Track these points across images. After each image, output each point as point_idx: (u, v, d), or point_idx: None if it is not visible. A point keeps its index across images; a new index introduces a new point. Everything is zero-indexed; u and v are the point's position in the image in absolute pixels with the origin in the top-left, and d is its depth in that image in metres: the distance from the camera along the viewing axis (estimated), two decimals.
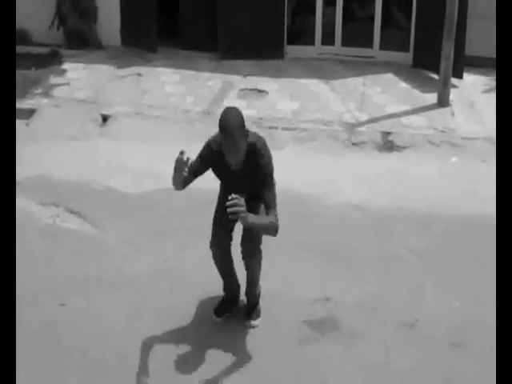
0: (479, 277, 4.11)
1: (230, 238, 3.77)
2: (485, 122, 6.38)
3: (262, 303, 3.84)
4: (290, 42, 8.13)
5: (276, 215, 3.40)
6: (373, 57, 7.87)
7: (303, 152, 5.95)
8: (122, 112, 6.58)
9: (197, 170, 3.49)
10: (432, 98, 6.74)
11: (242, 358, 3.46)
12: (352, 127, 6.31)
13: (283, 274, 4.15)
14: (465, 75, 7.16)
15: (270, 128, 6.33)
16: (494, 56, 7.46)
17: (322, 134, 6.21)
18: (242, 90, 7.14)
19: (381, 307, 3.82)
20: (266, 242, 4.53)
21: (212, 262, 3.74)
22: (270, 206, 3.39)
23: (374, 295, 3.94)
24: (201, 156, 3.52)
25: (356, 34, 8.04)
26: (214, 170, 3.58)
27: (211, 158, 3.48)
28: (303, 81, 7.33)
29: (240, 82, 7.30)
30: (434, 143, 6.00)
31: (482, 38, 7.41)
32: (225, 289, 3.86)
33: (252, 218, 3.23)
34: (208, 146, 3.51)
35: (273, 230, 3.37)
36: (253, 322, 3.75)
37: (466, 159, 5.74)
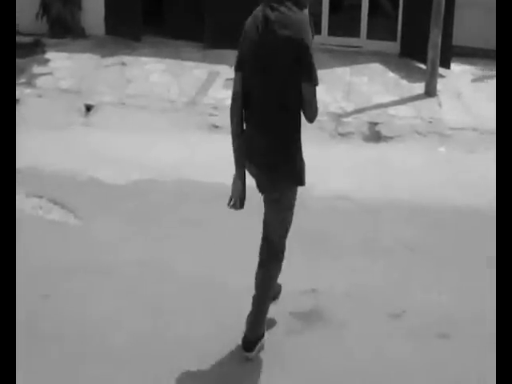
0: (467, 267, 4.10)
1: None
2: (472, 112, 6.37)
3: (247, 296, 3.79)
4: None
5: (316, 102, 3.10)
6: (360, 46, 7.83)
7: None
8: (106, 102, 6.49)
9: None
10: (419, 87, 6.71)
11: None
12: (339, 117, 6.27)
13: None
14: (452, 65, 7.14)
15: None
16: (482, 46, 7.53)
17: (309, 125, 6.11)
18: (228, 79, 7.07)
19: (368, 298, 3.80)
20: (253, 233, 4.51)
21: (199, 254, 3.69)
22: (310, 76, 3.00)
23: (361, 286, 3.91)
24: (239, 47, 3.11)
25: (343, 23, 8.00)
26: (245, 52, 3.09)
27: (245, 31, 3.10)
28: None
29: (226, 71, 7.23)
30: (422, 133, 5.98)
31: (470, 27, 7.39)
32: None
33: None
34: (254, 20, 3.08)
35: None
36: (250, 355, 3.33)
37: (453, 149, 5.73)
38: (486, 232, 4.35)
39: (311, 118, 3.09)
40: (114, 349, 3.40)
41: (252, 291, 3.53)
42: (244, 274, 3.77)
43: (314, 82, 2.99)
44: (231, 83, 7.87)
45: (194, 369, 3.28)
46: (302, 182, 3.19)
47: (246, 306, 3.39)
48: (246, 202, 3.30)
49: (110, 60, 7.36)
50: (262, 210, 3.40)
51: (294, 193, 3.24)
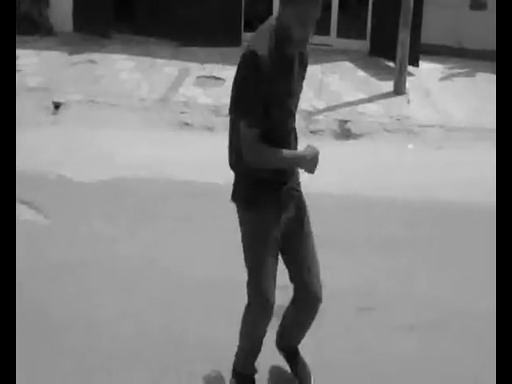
0: (443, 262, 4.15)
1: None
2: (440, 110, 6.46)
3: (221, 292, 3.80)
4: (247, 30, 8.07)
5: None
6: (330, 45, 7.88)
7: None
8: (75, 100, 6.42)
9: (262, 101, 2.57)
10: (388, 85, 6.78)
11: (203, 341, 3.41)
12: (309, 115, 6.30)
13: (239, 260, 4.11)
14: (421, 63, 7.23)
15: (227, 116, 6.26)
16: (451, 44, 7.64)
17: None
18: (198, 77, 7.06)
19: (340, 292, 3.81)
20: (228, 233, 4.50)
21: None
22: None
23: (334, 281, 3.92)
24: (256, 82, 2.55)
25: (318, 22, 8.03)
26: (271, 89, 2.58)
27: (266, 64, 2.54)
28: None
29: (197, 69, 7.21)
30: (390, 131, 6.04)
31: (439, 26, 7.49)
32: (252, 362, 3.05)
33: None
34: (254, 59, 2.55)
35: None
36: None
37: (421, 146, 5.80)
38: (461, 226, 4.44)
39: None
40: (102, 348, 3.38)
41: (228, 289, 3.53)
42: (235, 269, 3.78)
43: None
44: (202, 81, 7.83)
45: (198, 361, 3.27)
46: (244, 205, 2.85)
47: (242, 300, 3.41)
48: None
49: (78, 57, 7.28)
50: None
51: (249, 223, 2.84)
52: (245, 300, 3.05)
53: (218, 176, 5.19)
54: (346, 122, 6.19)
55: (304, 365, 3.14)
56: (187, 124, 6.14)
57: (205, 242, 4.33)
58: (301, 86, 2.84)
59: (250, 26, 8.11)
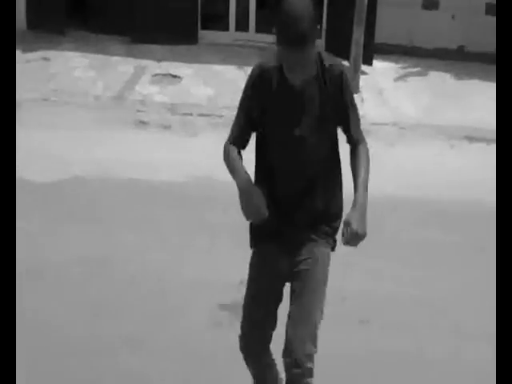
0: (397, 257, 4.22)
1: (273, 328, 2.54)
2: (393, 108, 6.57)
3: (176, 289, 3.79)
4: (203, 27, 8.06)
5: (366, 142, 2.50)
6: None
7: (219, 139, 5.90)
8: (29, 98, 6.30)
9: (246, 125, 2.46)
10: None
11: (158, 343, 3.41)
12: None
13: (199, 259, 4.13)
14: (375, 62, 7.35)
15: (185, 114, 6.27)
16: (404, 43, 7.79)
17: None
18: (154, 75, 7.02)
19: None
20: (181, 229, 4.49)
21: None
22: (358, 129, 2.47)
23: None
24: (245, 101, 2.45)
25: (270, 20, 8.08)
26: (263, 110, 2.43)
27: (262, 88, 2.38)
28: (218, 67, 7.28)
29: (153, 67, 7.17)
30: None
31: (393, 25, 7.63)
32: None
33: (363, 187, 2.38)
34: (253, 77, 2.42)
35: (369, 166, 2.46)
36: None
37: (375, 144, 5.88)
38: (413, 222, 4.54)
39: None
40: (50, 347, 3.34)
41: (183, 285, 3.53)
42: (173, 268, 3.80)
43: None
44: (159, 79, 7.78)
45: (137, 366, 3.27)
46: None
47: (195, 298, 3.38)
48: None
49: (32, 55, 7.15)
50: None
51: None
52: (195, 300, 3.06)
53: (174, 174, 5.21)
54: None
55: None
56: (143, 122, 6.11)
57: (161, 240, 4.32)
58: (321, 133, 2.42)
59: (207, 24, 8.11)
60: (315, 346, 2.44)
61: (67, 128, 5.81)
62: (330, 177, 2.53)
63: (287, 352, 2.42)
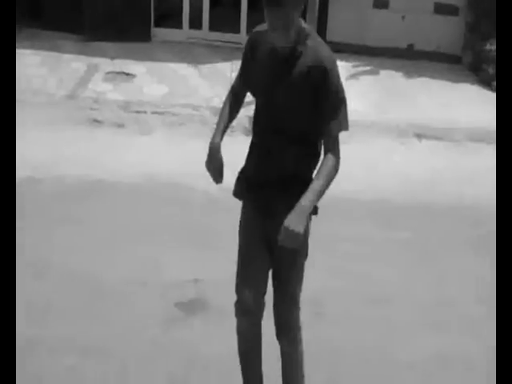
0: (340, 252, 4.32)
1: (265, 288, 2.68)
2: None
3: (127, 288, 3.78)
4: (157, 25, 8.04)
5: (338, 155, 2.56)
6: (240, 42, 7.96)
7: (172, 137, 5.94)
8: None
9: (245, 81, 2.67)
10: None
11: (112, 344, 3.42)
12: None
13: (152, 258, 4.13)
14: None
15: (138, 112, 6.25)
16: (356, 42, 7.91)
17: (192, 119, 6.23)
18: (108, 72, 6.97)
19: None
20: (128, 228, 4.49)
21: None
22: (334, 141, 2.56)
23: None
24: (243, 60, 2.70)
25: (223, 19, 8.10)
26: (253, 72, 2.63)
27: (252, 48, 2.62)
28: (171, 65, 7.28)
29: (106, 64, 7.12)
30: None
31: (344, 24, 7.74)
32: None
33: (313, 193, 2.41)
34: (248, 39, 2.68)
35: (333, 177, 2.51)
36: None
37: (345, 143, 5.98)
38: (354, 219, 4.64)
39: None
40: None
41: (134, 285, 3.54)
42: (122, 268, 3.80)
43: None
44: (112, 76, 7.72)
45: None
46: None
47: (149, 297, 3.39)
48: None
49: None
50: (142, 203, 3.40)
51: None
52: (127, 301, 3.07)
53: (128, 173, 5.19)
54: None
55: None
56: (97, 121, 6.07)
57: (113, 239, 4.31)
58: (303, 104, 2.52)
59: (160, 22, 8.09)
60: (298, 308, 2.72)
61: (19, 126, 5.71)
62: (305, 144, 2.60)
63: (276, 317, 2.70)
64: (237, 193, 2.76)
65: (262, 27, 2.60)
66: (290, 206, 2.48)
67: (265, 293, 2.69)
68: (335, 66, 2.52)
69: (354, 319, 3.71)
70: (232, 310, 3.61)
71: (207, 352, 3.39)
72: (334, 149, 2.56)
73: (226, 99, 2.80)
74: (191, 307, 3.73)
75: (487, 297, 3.95)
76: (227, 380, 3.19)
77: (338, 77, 2.53)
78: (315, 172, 2.57)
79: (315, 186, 2.47)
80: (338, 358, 3.40)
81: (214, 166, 2.73)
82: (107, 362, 3.28)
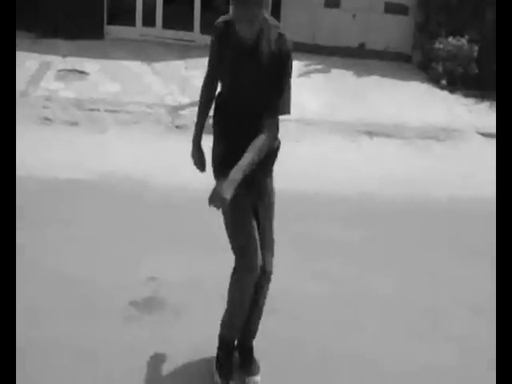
0: (294, 248, 4.39)
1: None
2: (298, 105, 6.76)
3: (81, 290, 3.77)
4: (110, 22, 7.99)
5: (275, 132, 2.88)
6: (193, 40, 7.98)
7: (126, 135, 5.92)
8: None
9: (215, 68, 2.94)
10: None
11: (68, 343, 3.41)
12: (174, 110, 6.38)
13: (107, 258, 4.12)
14: None
15: (92, 110, 6.21)
16: (307, 41, 8.01)
17: (145, 117, 6.23)
18: (60, 70, 6.90)
19: (204, 283, 3.94)
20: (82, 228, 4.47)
21: None
22: (276, 110, 2.85)
23: (198, 272, 4.06)
24: (211, 47, 2.94)
25: (177, 16, 8.10)
26: (221, 58, 2.90)
27: (221, 36, 2.87)
28: (125, 62, 7.25)
29: (58, 62, 7.04)
30: None
31: (296, 23, 7.84)
32: (236, 330, 3.20)
33: (240, 169, 2.74)
34: (214, 30, 2.91)
35: (263, 153, 2.82)
36: (257, 379, 3.19)
37: (280, 139, 6.05)
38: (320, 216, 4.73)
39: None
40: None
41: (88, 285, 3.51)
42: (97, 266, 3.76)
43: None
44: (64, 74, 7.60)
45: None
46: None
47: (103, 297, 3.39)
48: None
49: None
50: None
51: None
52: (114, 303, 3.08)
53: (81, 172, 5.16)
54: (210, 116, 6.33)
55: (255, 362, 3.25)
56: (49, 119, 6.01)
57: (65, 239, 4.27)
58: (267, 86, 2.81)
59: (113, 19, 8.03)
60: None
61: None
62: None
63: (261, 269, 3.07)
64: (222, 174, 2.93)
65: (226, 17, 2.90)
66: (265, 174, 3.03)
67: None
68: (291, 53, 2.86)
69: (315, 317, 3.76)
70: (189, 307, 3.66)
71: (164, 350, 3.40)
72: (271, 126, 2.86)
73: (201, 93, 3.10)
74: (147, 306, 3.73)
75: (445, 291, 4.09)
76: (184, 377, 3.23)
77: (292, 63, 2.88)
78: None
79: (244, 161, 2.78)
80: (298, 355, 3.45)
81: (196, 158, 3.19)
82: (69, 359, 3.28)
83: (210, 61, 3.01)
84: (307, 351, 3.49)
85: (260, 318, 3.28)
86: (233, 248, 3.05)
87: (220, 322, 3.26)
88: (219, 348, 3.25)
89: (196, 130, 3.15)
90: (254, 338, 3.29)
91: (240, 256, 3.03)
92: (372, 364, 3.44)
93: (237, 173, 2.77)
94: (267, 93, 2.82)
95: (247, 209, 3.02)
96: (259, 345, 3.32)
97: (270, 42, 2.81)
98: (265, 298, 3.24)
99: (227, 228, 3.04)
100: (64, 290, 3.79)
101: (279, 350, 3.46)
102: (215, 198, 2.77)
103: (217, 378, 3.17)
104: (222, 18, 2.93)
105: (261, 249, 3.06)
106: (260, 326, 3.29)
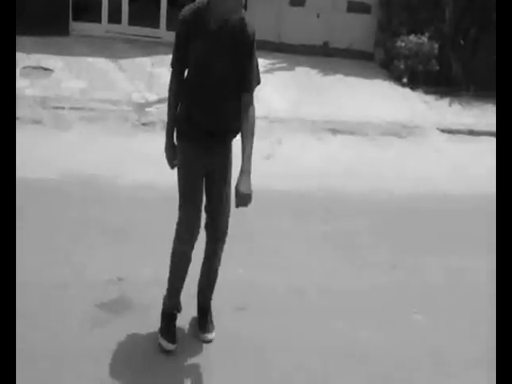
0: (261, 245, 4.46)
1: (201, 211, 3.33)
2: (262, 102, 6.83)
3: (52, 293, 3.73)
4: (75, 19, 7.95)
5: (253, 104, 3.16)
6: (159, 37, 8.00)
7: (92, 133, 5.91)
8: None
9: (182, 54, 3.16)
10: None
11: (31, 345, 3.39)
12: (141, 107, 6.40)
13: (70, 257, 4.09)
14: None
15: (56, 108, 6.18)
16: (273, 39, 8.09)
17: (111, 114, 6.22)
18: (24, 67, 6.85)
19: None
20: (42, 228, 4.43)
21: None
22: (251, 84, 3.16)
23: (165, 271, 4.07)
24: (178, 35, 3.16)
25: (143, 13, 8.10)
26: (190, 46, 3.15)
27: (189, 25, 3.11)
28: (90, 59, 7.23)
29: (22, 59, 6.99)
30: None
31: (262, 21, 7.90)
32: (174, 300, 3.47)
33: (248, 160, 3.04)
34: (183, 17, 3.14)
35: (254, 125, 3.16)
36: (210, 336, 3.51)
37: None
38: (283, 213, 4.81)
39: None
40: None
41: (57, 289, 3.52)
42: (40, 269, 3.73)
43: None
44: (29, 71, 7.52)
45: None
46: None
47: (69, 298, 3.38)
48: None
49: None
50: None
51: (179, 152, 3.40)
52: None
53: (46, 171, 5.11)
54: None
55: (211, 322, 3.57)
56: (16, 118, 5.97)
57: (27, 240, 4.19)
58: (235, 59, 3.10)
59: (79, 15, 7.99)
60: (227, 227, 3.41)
61: None
62: (235, 100, 3.17)
63: (213, 228, 3.36)
64: (185, 139, 3.27)
65: (192, 6, 3.14)
66: (225, 147, 3.29)
67: (200, 216, 3.30)
68: (254, 32, 3.15)
69: (274, 310, 3.83)
70: (158, 307, 3.68)
71: (134, 350, 3.42)
72: (251, 101, 3.17)
73: (171, 84, 3.27)
74: (115, 307, 3.70)
75: (403, 287, 4.21)
76: (155, 377, 3.26)
77: (255, 39, 3.17)
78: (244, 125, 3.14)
79: (248, 154, 3.07)
80: (262, 350, 3.51)
81: (170, 153, 3.36)
82: (35, 364, 3.25)
83: (177, 49, 3.19)
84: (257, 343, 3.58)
85: (215, 281, 3.52)
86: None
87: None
88: (162, 315, 3.49)
89: (169, 124, 3.31)
90: (210, 299, 3.57)
91: (178, 224, 3.31)
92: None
93: (248, 163, 3.05)
94: (241, 71, 3.12)
95: (197, 179, 3.26)
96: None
97: (234, 28, 3.10)
98: (219, 260, 3.46)
99: (178, 187, 3.30)
100: (25, 293, 3.68)
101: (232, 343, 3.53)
102: (244, 200, 3.03)
103: (162, 341, 3.40)
104: (188, 7, 3.17)
105: (213, 211, 3.33)
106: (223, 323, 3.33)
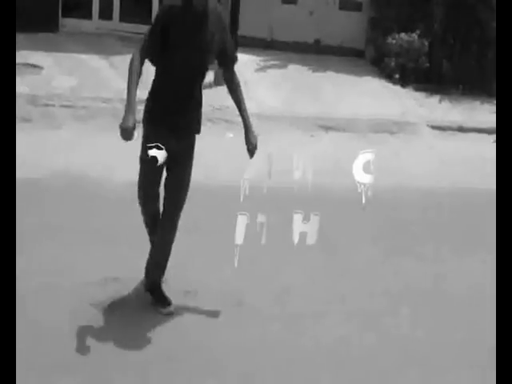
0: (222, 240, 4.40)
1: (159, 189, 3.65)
2: (257, 100, 6.85)
3: (44, 292, 3.72)
4: (65, 15, 7.91)
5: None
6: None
7: (83, 131, 5.88)
8: None
9: (154, 47, 3.42)
10: (208, 76, 7.03)
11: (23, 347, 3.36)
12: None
13: (57, 259, 4.06)
14: (238, 55, 7.56)
15: (46, 106, 6.15)
16: (265, 37, 8.09)
17: (102, 112, 6.19)
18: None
19: (166, 280, 3.96)
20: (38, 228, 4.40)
21: None
22: (233, 58, 3.57)
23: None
24: (154, 28, 3.39)
25: (134, 9, 8.08)
26: (166, 37, 3.39)
27: (168, 17, 3.35)
28: (81, 56, 7.19)
29: None
30: (211, 120, 6.30)
31: (254, 18, 7.91)
32: (156, 266, 3.74)
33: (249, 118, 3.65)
34: (162, 11, 3.43)
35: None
36: (171, 309, 3.70)
37: (240, 135, 6.10)
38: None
39: None
40: None
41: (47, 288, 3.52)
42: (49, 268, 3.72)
43: None
44: (18, 68, 7.40)
45: None
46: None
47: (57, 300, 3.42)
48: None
49: None
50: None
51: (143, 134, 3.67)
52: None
53: (35, 169, 5.08)
54: None
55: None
56: None
57: (19, 240, 4.16)
58: (212, 50, 3.43)
59: (69, 12, 7.95)
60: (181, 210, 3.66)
61: None
62: (203, 78, 3.56)
63: (165, 218, 3.63)
64: (155, 123, 3.56)
65: (172, 2, 3.34)
66: (188, 122, 3.58)
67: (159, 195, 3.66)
68: (223, 12, 3.56)
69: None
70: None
71: (129, 349, 3.42)
72: (235, 73, 3.60)
73: (133, 67, 3.55)
74: (110, 306, 3.68)
75: (385, 278, 4.23)
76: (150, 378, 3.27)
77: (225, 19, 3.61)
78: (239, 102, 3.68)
79: (246, 114, 3.69)
80: (225, 350, 3.48)
81: (132, 126, 3.46)
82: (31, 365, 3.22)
83: (151, 37, 3.39)
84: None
85: (164, 261, 3.72)
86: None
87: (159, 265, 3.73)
88: (150, 290, 3.73)
89: (131, 99, 3.54)
90: (163, 275, 3.78)
91: (138, 189, 3.63)
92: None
93: (247, 121, 3.64)
94: (222, 51, 3.46)
95: (154, 172, 3.48)
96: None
97: (212, 14, 3.37)
98: (166, 243, 3.68)
99: None
100: (18, 294, 3.66)
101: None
102: (255, 147, 3.67)
103: (158, 307, 3.66)
104: (167, 3, 3.39)
105: (169, 199, 3.59)
106: None
